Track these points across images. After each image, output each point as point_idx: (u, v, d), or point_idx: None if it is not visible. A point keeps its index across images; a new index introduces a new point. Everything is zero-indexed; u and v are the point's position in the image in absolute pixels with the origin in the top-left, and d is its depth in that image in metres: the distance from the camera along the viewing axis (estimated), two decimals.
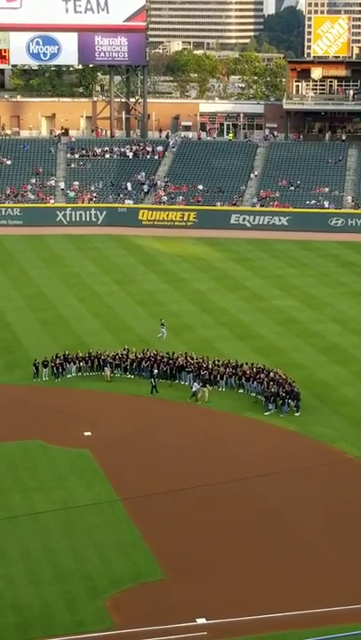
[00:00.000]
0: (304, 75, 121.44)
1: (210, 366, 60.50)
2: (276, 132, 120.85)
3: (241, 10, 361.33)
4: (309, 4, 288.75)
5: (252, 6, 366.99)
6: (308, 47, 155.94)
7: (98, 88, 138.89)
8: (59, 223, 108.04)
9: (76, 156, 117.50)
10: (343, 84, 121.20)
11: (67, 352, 62.99)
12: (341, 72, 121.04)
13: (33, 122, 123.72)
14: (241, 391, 59.51)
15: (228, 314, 76.59)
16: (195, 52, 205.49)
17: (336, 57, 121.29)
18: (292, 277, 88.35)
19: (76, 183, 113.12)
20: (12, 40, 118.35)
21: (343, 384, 61.57)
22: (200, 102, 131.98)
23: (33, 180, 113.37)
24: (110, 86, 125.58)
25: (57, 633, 35.59)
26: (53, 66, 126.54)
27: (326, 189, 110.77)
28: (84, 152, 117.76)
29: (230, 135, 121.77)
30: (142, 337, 69.58)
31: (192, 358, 61.62)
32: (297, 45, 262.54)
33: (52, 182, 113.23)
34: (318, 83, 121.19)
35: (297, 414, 56.17)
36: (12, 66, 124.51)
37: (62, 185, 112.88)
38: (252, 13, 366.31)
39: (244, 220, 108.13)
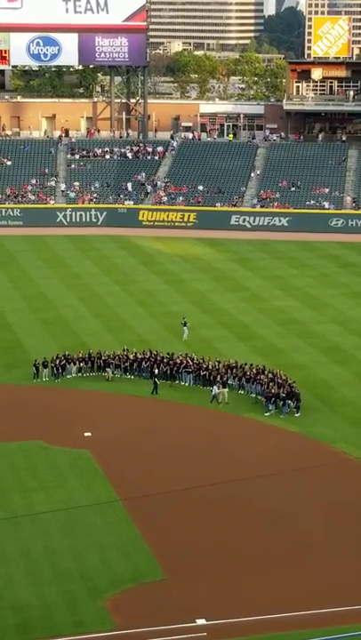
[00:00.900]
0: (304, 75, 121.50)
1: (209, 367, 60.56)
2: (282, 134, 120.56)
3: (241, 10, 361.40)
4: (310, 5, 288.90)
5: (252, 7, 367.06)
6: (309, 48, 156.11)
7: (98, 89, 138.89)
8: (59, 224, 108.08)
9: (77, 156, 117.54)
10: (343, 84, 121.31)
11: (67, 352, 63.02)
12: (342, 73, 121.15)
13: (33, 123, 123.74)
14: (241, 392, 59.49)
15: (229, 314, 76.60)
16: (195, 52, 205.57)
17: (336, 58, 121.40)
18: (293, 278, 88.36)
19: (77, 184, 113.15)
20: (13, 41, 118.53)
21: (343, 384, 61.59)
22: (200, 103, 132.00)
23: (33, 181, 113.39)
24: (111, 87, 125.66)
25: (57, 633, 35.59)
26: (54, 66, 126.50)
27: (326, 190, 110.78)
28: (84, 153, 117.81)
29: (230, 136, 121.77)
30: (142, 337, 69.59)
31: (192, 359, 61.63)
32: (297, 46, 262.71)
33: (53, 183, 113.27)
34: (319, 83, 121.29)
35: (297, 415, 56.17)
36: (13, 66, 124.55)
37: (63, 186, 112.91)
38: (252, 14, 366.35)
39: (244, 220, 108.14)
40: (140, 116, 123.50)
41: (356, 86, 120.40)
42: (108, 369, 61.71)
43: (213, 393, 58.08)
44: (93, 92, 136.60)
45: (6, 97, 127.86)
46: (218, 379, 58.65)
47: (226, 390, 58.13)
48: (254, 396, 58.64)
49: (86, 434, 53.58)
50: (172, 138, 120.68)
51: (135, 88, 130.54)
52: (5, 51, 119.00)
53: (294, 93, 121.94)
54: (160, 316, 75.59)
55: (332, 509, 45.39)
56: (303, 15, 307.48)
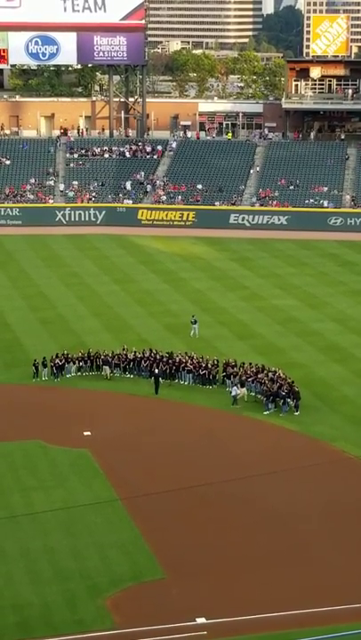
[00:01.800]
0: (303, 74, 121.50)
1: (208, 365, 60.57)
2: (284, 133, 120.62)
3: (240, 9, 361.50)
4: (308, 4, 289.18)
5: (250, 6, 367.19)
6: (307, 46, 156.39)
7: (97, 88, 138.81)
8: (58, 223, 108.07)
9: (75, 155, 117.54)
10: (342, 83, 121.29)
11: (66, 352, 63.01)
12: (340, 71, 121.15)
13: (32, 122, 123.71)
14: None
15: (228, 313, 76.61)
16: (194, 51, 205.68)
17: (335, 56, 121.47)
18: (292, 276, 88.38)
19: (76, 183, 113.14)
20: (11, 40, 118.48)
21: (343, 383, 61.61)
22: (199, 102, 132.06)
23: (32, 180, 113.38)
24: (109, 86, 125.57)
25: (57, 632, 35.60)
26: (52, 66, 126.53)
27: (325, 188, 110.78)
28: (83, 152, 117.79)
29: (229, 134, 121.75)
30: (142, 336, 69.61)
31: (191, 358, 61.64)
32: (296, 45, 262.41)
33: (52, 182, 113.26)
34: (317, 82, 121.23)
35: (296, 413, 56.19)
36: (11, 66, 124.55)
37: (61, 185, 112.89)
38: (250, 13, 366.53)
39: (243, 219, 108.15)
40: (139, 115, 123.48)
41: (355, 85, 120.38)
42: (105, 367, 61.68)
43: (234, 394, 57.45)
44: (92, 92, 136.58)
45: (5, 96, 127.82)
46: (236, 379, 58.22)
47: (245, 389, 57.94)
48: (254, 394, 58.63)
49: (86, 433, 53.58)
50: (173, 136, 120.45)
51: (134, 87, 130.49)
52: (4, 50, 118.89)
53: (293, 92, 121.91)
54: (159, 314, 75.60)
55: (332, 508, 45.41)
56: (302, 14, 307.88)
